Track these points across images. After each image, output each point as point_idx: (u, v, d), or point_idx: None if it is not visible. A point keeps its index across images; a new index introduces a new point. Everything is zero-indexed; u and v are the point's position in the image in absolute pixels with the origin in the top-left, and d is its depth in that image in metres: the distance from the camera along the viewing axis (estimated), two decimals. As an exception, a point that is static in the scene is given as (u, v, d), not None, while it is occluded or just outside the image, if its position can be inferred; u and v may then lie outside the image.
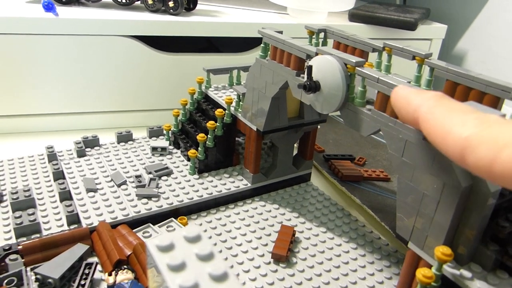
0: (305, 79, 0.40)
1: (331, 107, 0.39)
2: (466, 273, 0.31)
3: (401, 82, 0.34)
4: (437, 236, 0.32)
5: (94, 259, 0.41)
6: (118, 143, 0.64)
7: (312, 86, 0.39)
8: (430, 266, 0.33)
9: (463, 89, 0.38)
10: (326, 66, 0.38)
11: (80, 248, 0.41)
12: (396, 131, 0.34)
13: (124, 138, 0.64)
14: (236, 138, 0.61)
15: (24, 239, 0.43)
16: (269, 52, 0.48)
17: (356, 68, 0.37)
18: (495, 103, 0.35)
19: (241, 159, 0.59)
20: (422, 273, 0.31)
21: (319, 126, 0.58)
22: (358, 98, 0.38)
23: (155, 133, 0.66)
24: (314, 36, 0.52)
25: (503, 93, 0.34)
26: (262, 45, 0.49)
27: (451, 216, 0.31)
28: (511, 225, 0.31)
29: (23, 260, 0.39)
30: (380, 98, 0.35)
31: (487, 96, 0.35)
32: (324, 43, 0.52)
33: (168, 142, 0.63)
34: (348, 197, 0.58)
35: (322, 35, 0.52)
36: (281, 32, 0.48)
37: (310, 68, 0.39)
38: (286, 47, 0.44)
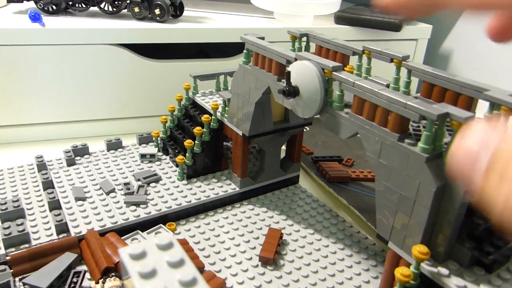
0: (285, 84, 0.41)
1: (311, 111, 0.40)
2: (444, 271, 0.32)
3: (378, 86, 0.35)
4: (414, 235, 0.33)
5: (83, 268, 0.42)
6: (108, 150, 0.64)
7: (291, 91, 0.40)
8: (410, 265, 0.34)
9: (439, 90, 0.39)
10: (304, 72, 0.39)
11: (68, 257, 0.41)
12: (372, 134, 0.35)
13: (114, 145, 0.65)
14: (225, 143, 0.62)
15: (13, 249, 0.43)
16: (252, 58, 0.49)
17: (333, 72, 0.38)
18: (470, 103, 0.36)
19: (229, 164, 0.60)
20: (400, 272, 0.32)
21: (307, 128, 0.59)
22: (336, 102, 0.38)
23: (144, 139, 0.66)
24: (297, 41, 0.53)
25: (476, 93, 0.35)
26: (244, 51, 0.50)
27: (427, 215, 0.32)
28: (485, 222, 0.32)
29: (12, 270, 0.40)
30: (357, 102, 0.36)
31: (462, 96, 0.37)
32: (307, 48, 0.53)
33: (157, 148, 0.64)
34: (336, 198, 0.59)
35: (305, 39, 0.53)
36: (263, 38, 0.48)
37: (288, 73, 0.40)
38: (267, 53, 0.45)
